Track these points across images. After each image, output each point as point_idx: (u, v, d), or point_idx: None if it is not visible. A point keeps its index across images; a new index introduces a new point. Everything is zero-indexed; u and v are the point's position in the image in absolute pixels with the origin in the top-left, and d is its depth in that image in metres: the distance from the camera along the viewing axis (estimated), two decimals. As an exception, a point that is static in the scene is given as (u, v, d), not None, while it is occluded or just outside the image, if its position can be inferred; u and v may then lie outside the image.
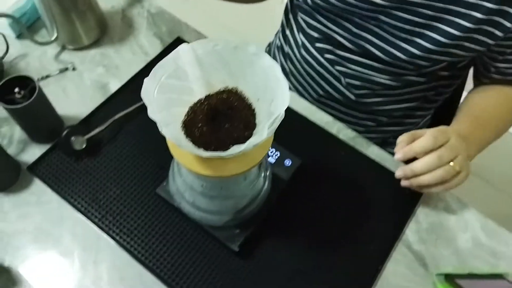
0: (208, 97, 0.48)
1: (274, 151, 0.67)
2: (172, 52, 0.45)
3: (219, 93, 0.48)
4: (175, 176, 0.56)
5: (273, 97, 0.45)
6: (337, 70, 0.77)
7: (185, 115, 0.47)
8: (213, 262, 0.61)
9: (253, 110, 0.48)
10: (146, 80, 0.43)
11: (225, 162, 0.46)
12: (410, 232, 0.67)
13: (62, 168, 0.67)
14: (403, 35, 0.66)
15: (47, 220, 0.64)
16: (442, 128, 0.61)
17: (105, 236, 0.63)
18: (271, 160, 0.66)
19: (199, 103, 0.48)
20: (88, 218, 0.64)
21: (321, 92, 0.81)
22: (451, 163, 0.59)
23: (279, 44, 0.90)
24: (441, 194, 0.70)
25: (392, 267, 0.64)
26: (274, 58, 0.94)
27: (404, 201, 0.68)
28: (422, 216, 0.68)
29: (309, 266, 0.62)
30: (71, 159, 0.68)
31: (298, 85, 0.86)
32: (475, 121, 0.70)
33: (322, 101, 0.83)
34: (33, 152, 0.69)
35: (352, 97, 0.79)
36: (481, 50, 0.66)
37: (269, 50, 0.98)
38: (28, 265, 0.61)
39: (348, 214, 0.67)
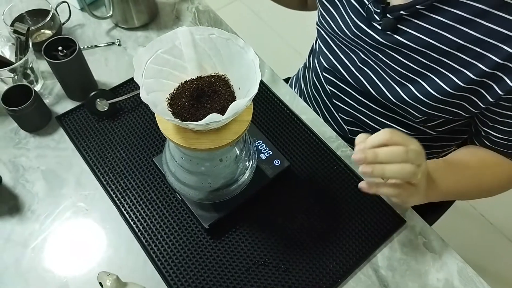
0: (199, 78, 0.54)
1: (267, 149, 0.72)
2: (171, 31, 0.52)
3: (209, 76, 0.54)
4: (166, 148, 0.63)
5: (250, 87, 0.50)
6: (335, 104, 0.81)
7: (175, 89, 0.53)
8: (185, 234, 0.67)
9: (234, 97, 0.53)
10: (141, 49, 0.50)
11: (198, 137, 0.51)
12: (382, 257, 0.68)
13: (84, 124, 0.77)
14: (397, 78, 0.67)
15: (59, 164, 0.73)
16: (403, 134, 0.54)
17: (102, 189, 0.71)
18: (262, 156, 0.71)
19: (190, 81, 0.54)
20: (93, 170, 0.72)
21: (321, 118, 0.85)
22: (419, 168, 0.53)
23: (306, 63, 0.95)
24: (424, 230, 0.70)
25: (352, 285, 0.65)
26: (300, 74, 0.99)
27: (383, 226, 0.69)
28: (398, 245, 0.69)
29: (271, 260, 0.65)
30: (93, 118, 0.77)
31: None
32: (450, 165, 0.68)
33: None
34: (65, 106, 0.79)
35: (348, 132, 0.82)
36: (473, 111, 0.65)
37: (302, 68, 1.03)
38: (33, 198, 0.70)
39: (323, 224, 0.69)
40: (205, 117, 0.51)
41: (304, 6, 0.93)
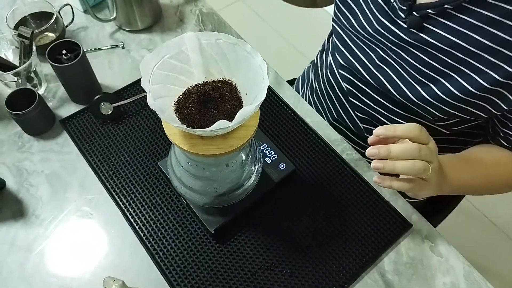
0: (205, 83, 0.54)
1: (273, 153, 0.71)
2: (178, 37, 0.51)
3: (216, 81, 0.54)
4: (172, 153, 0.62)
5: (257, 92, 0.49)
6: (351, 102, 0.80)
7: (181, 94, 0.53)
8: (191, 238, 0.66)
9: (241, 102, 0.53)
10: (148, 54, 0.49)
11: (205, 142, 0.51)
12: (388, 261, 0.67)
13: (88, 127, 0.76)
14: (419, 77, 0.66)
15: (63, 168, 0.73)
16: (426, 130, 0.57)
17: (106, 193, 0.71)
18: (267, 160, 0.70)
19: (196, 86, 0.53)
20: (97, 174, 0.72)
21: (336, 116, 0.84)
22: (430, 164, 0.55)
23: (315, 62, 0.94)
24: (430, 234, 0.69)
25: (359, 289, 0.65)
26: (308, 73, 0.99)
27: (390, 229, 0.69)
28: (404, 249, 0.68)
29: (277, 265, 0.65)
30: (97, 121, 0.77)
31: (318, 103, 0.89)
32: (464, 160, 0.68)
33: (335, 125, 0.86)
34: (69, 109, 0.79)
35: (362, 129, 0.81)
36: (494, 113, 0.64)
37: (310, 67, 1.02)
38: (37, 202, 0.70)
39: (329, 228, 0.68)
40: (212, 122, 0.51)
41: (314, 3, 0.93)
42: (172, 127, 0.52)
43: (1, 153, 0.74)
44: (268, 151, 0.71)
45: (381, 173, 0.58)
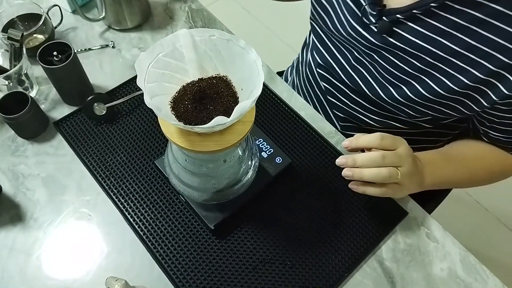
0: (200, 80, 0.54)
1: (269, 147, 0.72)
2: (172, 34, 0.51)
3: (211, 78, 0.54)
4: (168, 150, 0.63)
5: (253, 88, 0.50)
6: (330, 101, 0.81)
7: (177, 92, 0.53)
8: (191, 235, 0.67)
9: (237, 98, 0.53)
10: (142, 53, 0.49)
11: (202, 139, 0.51)
12: (386, 249, 0.68)
13: (82, 129, 0.76)
14: (391, 79, 0.68)
15: (58, 170, 0.72)
16: (394, 136, 0.61)
17: (104, 194, 0.70)
18: (264, 154, 0.71)
19: (192, 83, 0.53)
20: (94, 175, 0.72)
21: (320, 114, 0.85)
22: (398, 169, 0.58)
23: (298, 58, 0.95)
24: (425, 221, 0.71)
25: (359, 277, 0.66)
26: (292, 69, 0.99)
27: (386, 218, 0.70)
28: (401, 237, 0.70)
29: (278, 258, 0.66)
30: (91, 122, 0.77)
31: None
32: (446, 156, 0.70)
33: None
34: (62, 111, 0.78)
35: (338, 127, 0.83)
36: (467, 113, 0.65)
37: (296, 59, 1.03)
38: (34, 205, 0.69)
39: (327, 218, 0.69)
40: (208, 119, 0.51)
41: None
42: (169, 125, 0.52)
43: (-5, 158, 0.73)
44: (264, 146, 0.72)
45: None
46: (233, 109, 0.51)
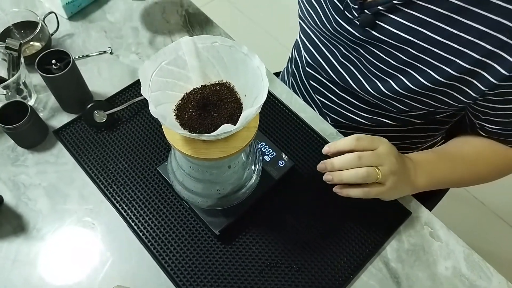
0: (203, 87, 0.54)
1: (271, 151, 0.72)
2: (175, 42, 0.51)
3: (214, 85, 0.54)
4: (172, 157, 0.62)
5: (257, 94, 0.50)
6: (318, 99, 0.81)
7: (180, 100, 0.53)
8: (196, 241, 0.67)
9: (241, 104, 0.53)
10: (146, 62, 0.49)
11: (207, 146, 0.51)
12: (390, 249, 0.69)
13: (82, 137, 0.76)
14: (377, 73, 0.68)
15: (60, 179, 0.72)
16: (373, 136, 0.62)
17: (107, 201, 0.70)
18: (266, 158, 0.71)
19: (195, 91, 0.53)
20: (96, 183, 0.71)
21: (319, 116, 0.86)
22: (377, 169, 0.59)
23: (290, 57, 0.95)
24: (429, 220, 0.71)
25: (365, 279, 0.66)
26: (287, 70, 0.99)
27: (389, 219, 0.70)
28: (405, 236, 0.70)
29: (283, 261, 0.66)
30: (91, 130, 0.76)
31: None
32: (442, 154, 0.70)
33: None
34: (61, 119, 0.78)
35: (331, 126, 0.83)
36: (456, 105, 0.66)
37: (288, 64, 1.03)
38: (37, 215, 0.69)
39: (331, 220, 0.69)
40: (213, 125, 0.51)
41: None
42: (174, 133, 0.52)
43: (-5, 168, 0.72)
44: (266, 149, 0.72)
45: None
46: (237, 115, 0.52)
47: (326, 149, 0.62)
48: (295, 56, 0.89)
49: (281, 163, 0.71)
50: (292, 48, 0.94)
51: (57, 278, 0.64)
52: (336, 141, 0.61)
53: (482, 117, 0.67)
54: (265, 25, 2.04)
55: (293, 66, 0.88)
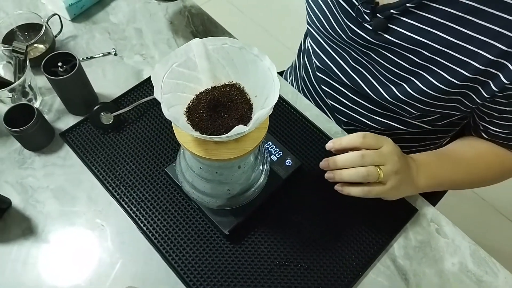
0: (213, 88, 0.54)
1: (278, 150, 0.72)
2: (185, 44, 0.51)
3: (224, 86, 0.54)
4: (181, 158, 0.63)
5: (268, 94, 0.50)
6: (330, 104, 0.81)
7: (191, 101, 0.53)
8: (205, 241, 0.67)
9: (251, 105, 0.53)
10: (157, 65, 0.49)
11: (218, 147, 0.52)
12: (398, 246, 0.69)
13: (89, 138, 0.76)
14: (391, 77, 0.68)
15: (68, 182, 0.72)
16: (378, 135, 0.61)
17: (115, 203, 0.70)
18: (273, 157, 0.71)
19: (205, 92, 0.54)
20: (104, 185, 0.72)
21: (325, 115, 0.86)
22: (379, 169, 0.59)
23: (294, 62, 0.95)
24: (434, 217, 0.72)
25: (373, 276, 0.67)
26: (291, 71, 1.00)
27: (396, 216, 0.71)
28: (412, 233, 0.71)
29: (292, 260, 0.66)
30: (98, 132, 0.76)
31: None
32: (443, 156, 0.70)
33: None
34: (67, 121, 0.78)
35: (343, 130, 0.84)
36: (470, 106, 0.65)
37: (291, 67, 1.03)
38: (46, 218, 0.69)
39: (339, 219, 0.70)
40: (224, 127, 0.51)
41: None
42: (185, 134, 0.52)
43: (2, 171, 0.72)
44: (273, 149, 0.72)
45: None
46: (248, 116, 0.52)
47: (329, 145, 0.62)
48: (304, 61, 0.88)
49: (288, 162, 0.71)
50: (299, 53, 0.93)
51: (69, 280, 0.64)
52: (341, 138, 0.61)
53: (487, 119, 0.67)
54: (265, 24, 2.04)
55: (302, 71, 0.87)
